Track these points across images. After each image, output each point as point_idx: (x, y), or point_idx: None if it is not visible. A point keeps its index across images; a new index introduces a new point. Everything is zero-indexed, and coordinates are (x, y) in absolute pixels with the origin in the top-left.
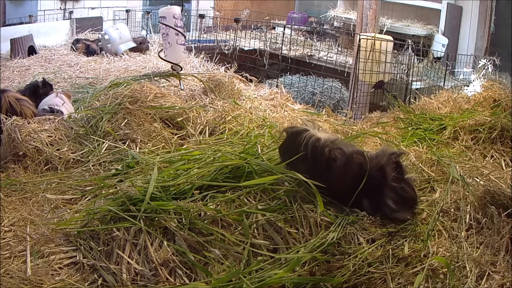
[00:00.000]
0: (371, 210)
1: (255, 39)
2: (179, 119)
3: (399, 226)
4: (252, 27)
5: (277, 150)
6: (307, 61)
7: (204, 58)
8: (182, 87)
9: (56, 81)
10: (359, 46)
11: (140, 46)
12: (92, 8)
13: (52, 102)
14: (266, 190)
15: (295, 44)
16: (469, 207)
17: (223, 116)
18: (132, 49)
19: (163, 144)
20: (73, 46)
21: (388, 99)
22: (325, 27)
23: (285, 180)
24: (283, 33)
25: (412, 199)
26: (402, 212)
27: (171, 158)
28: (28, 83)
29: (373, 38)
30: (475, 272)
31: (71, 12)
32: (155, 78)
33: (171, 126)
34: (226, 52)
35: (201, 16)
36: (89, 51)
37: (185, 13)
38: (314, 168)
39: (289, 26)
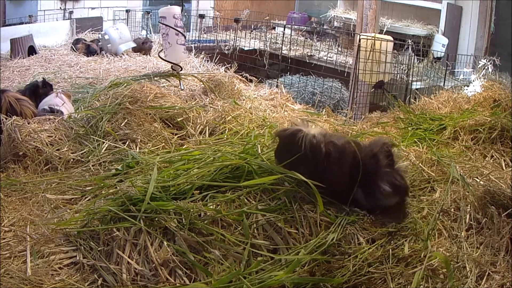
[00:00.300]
0: (364, 198)
1: (255, 39)
2: (179, 119)
3: (399, 224)
4: (252, 27)
5: (273, 154)
6: (307, 61)
7: (204, 58)
8: (182, 87)
9: (56, 81)
10: (359, 46)
11: (143, 46)
12: (92, 8)
13: (52, 102)
14: (266, 190)
15: (295, 44)
16: (469, 207)
17: (223, 116)
18: (135, 50)
19: (163, 144)
20: (73, 47)
21: (388, 99)
22: (325, 27)
23: (285, 181)
24: (283, 33)
25: (403, 188)
26: (394, 211)
27: (171, 158)
28: (28, 83)
29: (373, 38)
30: (475, 272)
31: (71, 12)
32: (155, 78)
33: (171, 126)
34: (226, 52)
35: (201, 16)
36: (89, 51)
37: (185, 13)
38: (314, 166)
39: (289, 26)
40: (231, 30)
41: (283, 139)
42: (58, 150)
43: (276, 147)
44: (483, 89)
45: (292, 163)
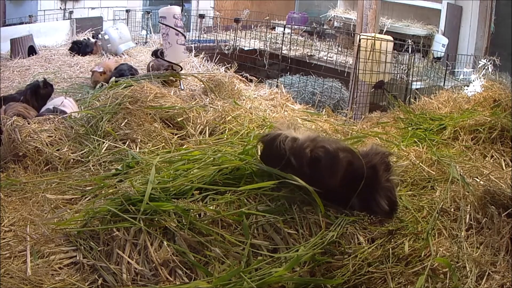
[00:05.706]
0: (359, 207)
1: (255, 39)
2: (179, 119)
3: (399, 225)
4: (252, 27)
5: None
6: (307, 61)
7: (204, 58)
8: (182, 87)
9: (56, 81)
10: (359, 46)
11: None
12: (92, 8)
13: (56, 102)
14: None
15: (295, 44)
16: (469, 207)
17: (223, 116)
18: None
19: (163, 144)
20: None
21: (388, 99)
22: (324, 27)
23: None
24: (283, 33)
25: (394, 202)
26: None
27: (171, 158)
28: (28, 83)
29: (373, 38)
30: (475, 272)
31: (71, 12)
32: (155, 78)
33: (171, 126)
34: (226, 52)
35: (201, 16)
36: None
37: (185, 13)
38: (299, 169)
39: (289, 26)
40: (231, 30)
41: (265, 144)
42: (58, 150)
43: (261, 152)
44: (483, 89)
45: (278, 167)
